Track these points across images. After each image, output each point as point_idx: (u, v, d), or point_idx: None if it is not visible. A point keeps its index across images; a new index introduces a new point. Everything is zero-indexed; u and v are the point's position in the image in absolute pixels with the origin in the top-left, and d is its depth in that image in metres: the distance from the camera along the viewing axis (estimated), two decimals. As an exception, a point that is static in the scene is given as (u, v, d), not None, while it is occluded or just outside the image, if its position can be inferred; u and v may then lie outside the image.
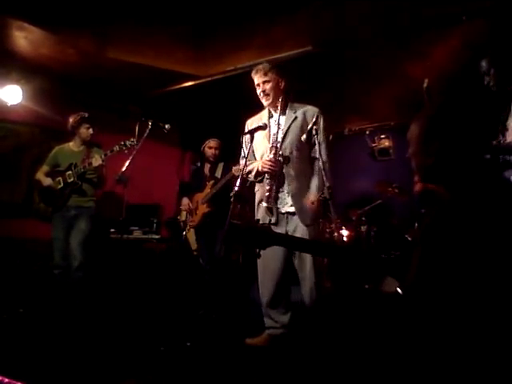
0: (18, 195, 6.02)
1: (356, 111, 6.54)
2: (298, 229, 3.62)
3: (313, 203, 3.57)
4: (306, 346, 3.45)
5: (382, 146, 6.90)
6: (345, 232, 5.56)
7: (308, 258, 3.61)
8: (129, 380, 2.84)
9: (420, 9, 4.19)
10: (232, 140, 4.34)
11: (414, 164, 1.92)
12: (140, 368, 2.98)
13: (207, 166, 5.55)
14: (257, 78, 3.79)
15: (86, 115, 4.84)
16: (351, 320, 3.69)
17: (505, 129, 3.01)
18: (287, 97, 3.81)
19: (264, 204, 3.59)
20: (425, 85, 3.18)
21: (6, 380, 2.23)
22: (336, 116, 6.41)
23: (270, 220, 3.65)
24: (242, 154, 3.96)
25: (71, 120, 4.85)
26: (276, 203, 3.64)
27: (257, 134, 3.75)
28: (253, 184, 3.97)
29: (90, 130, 4.85)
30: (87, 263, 4.63)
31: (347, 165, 6.81)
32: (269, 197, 3.58)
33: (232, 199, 3.50)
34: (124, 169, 4.08)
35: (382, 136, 6.89)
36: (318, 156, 3.54)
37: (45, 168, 4.87)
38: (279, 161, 3.62)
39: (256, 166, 3.76)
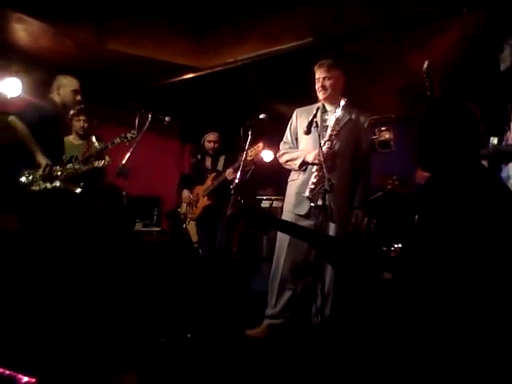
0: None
1: (356, 103, 6.52)
2: (325, 224, 3.65)
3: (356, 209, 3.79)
4: (307, 337, 3.47)
5: (382, 138, 6.88)
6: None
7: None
8: (130, 371, 2.85)
9: (420, 0, 4.18)
10: (232, 132, 4.33)
11: (414, 154, 1.98)
12: (141, 359, 2.99)
13: (208, 159, 5.55)
14: (318, 73, 3.85)
15: (77, 108, 4.81)
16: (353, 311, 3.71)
17: (509, 128, 3.01)
18: (342, 97, 3.86)
19: (306, 193, 3.61)
20: (425, 66, 3.17)
21: (7, 372, 2.24)
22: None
23: (309, 210, 3.71)
24: (285, 140, 4.05)
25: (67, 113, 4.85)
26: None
27: (302, 126, 3.82)
28: (253, 177, 4.00)
29: (81, 123, 4.84)
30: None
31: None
32: (313, 189, 3.62)
33: (232, 192, 3.51)
34: (124, 161, 4.08)
35: (383, 128, 6.87)
36: (361, 160, 3.82)
37: None
38: (330, 155, 3.66)
39: (301, 155, 3.82)
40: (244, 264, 5.55)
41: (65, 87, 4.47)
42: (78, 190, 4.38)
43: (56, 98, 4.46)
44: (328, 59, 3.89)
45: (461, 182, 1.74)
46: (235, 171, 4.87)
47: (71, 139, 4.91)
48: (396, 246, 5.05)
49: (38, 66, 5.62)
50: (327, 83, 3.83)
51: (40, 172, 4.17)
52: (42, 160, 4.17)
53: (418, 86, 3.45)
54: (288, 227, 2.97)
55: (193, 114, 7.21)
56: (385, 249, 5.12)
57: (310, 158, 3.73)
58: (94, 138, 4.84)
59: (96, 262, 4.94)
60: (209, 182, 5.31)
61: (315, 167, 3.68)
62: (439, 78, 3.11)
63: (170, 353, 3.17)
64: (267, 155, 5.78)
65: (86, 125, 4.87)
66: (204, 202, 5.29)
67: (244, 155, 3.83)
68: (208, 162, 5.55)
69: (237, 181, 3.55)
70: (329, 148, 3.67)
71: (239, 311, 4.32)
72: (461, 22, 4.33)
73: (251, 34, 4.96)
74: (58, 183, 4.26)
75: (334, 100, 3.85)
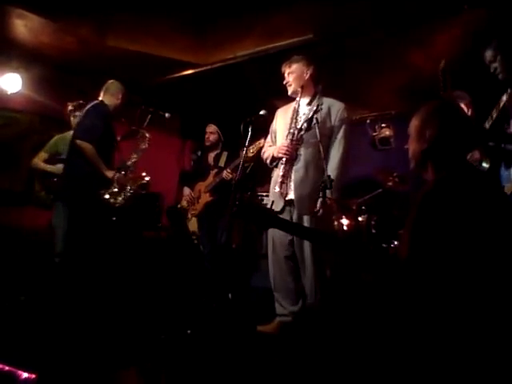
0: (18, 183, 6.01)
1: (357, 100, 6.52)
2: (299, 218, 3.65)
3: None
4: (311, 335, 3.48)
5: (382, 135, 6.87)
6: (345, 221, 5.56)
7: (307, 247, 3.62)
8: (130, 368, 2.85)
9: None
10: (232, 128, 4.33)
11: (410, 152, 2.05)
12: (141, 356, 3.00)
13: (211, 155, 5.54)
14: (284, 70, 3.90)
15: (71, 105, 4.81)
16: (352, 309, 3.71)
17: (510, 117, 3.01)
18: (316, 87, 3.89)
19: (276, 189, 3.64)
20: (441, 65, 3.17)
21: (7, 368, 2.24)
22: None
23: (284, 206, 3.72)
24: (267, 139, 4.14)
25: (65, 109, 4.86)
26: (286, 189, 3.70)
27: (280, 122, 3.94)
28: (253, 173, 4.00)
29: (78, 118, 4.84)
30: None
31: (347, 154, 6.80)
32: (282, 182, 3.65)
33: (233, 188, 3.51)
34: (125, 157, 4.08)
35: (383, 125, 6.86)
36: (334, 150, 3.67)
37: (43, 155, 4.85)
38: (295, 147, 3.66)
39: (271, 151, 3.86)
40: (244, 261, 5.55)
41: (123, 93, 4.58)
42: (147, 178, 4.54)
43: (112, 101, 4.50)
44: (294, 56, 3.94)
45: (452, 183, 1.78)
46: (232, 171, 4.89)
47: (67, 135, 4.89)
48: (396, 243, 5.05)
49: (38, 62, 5.62)
50: (290, 78, 3.88)
51: (116, 185, 4.28)
52: (110, 174, 4.27)
53: (419, 83, 3.46)
54: (285, 225, 2.97)
55: (193, 110, 7.20)
56: (385, 246, 5.12)
57: (275, 153, 3.79)
58: None
59: (96, 258, 4.95)
60: (211, 179, 5.29)
61: (283, 160, 3.72)
62: (451, 78, 3.12)
63: (169, 349, 3.17)
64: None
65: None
66: (206, 198, 5.28)
67: (244, 151, 3.84)
68: (210, 158, 5.54)
69: (237, 177, 3.55)
70: (291, 140, 3.71)
71: (240, 307, 4.32)
72: (462, 19, 4.32)
73: (251, 30, 4.95)
74: (129, 187, 4.37)
75: (305, 93, 3.87)
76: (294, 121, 3.79)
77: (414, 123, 2.00)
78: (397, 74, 5.37)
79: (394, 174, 5.63)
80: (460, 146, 1.89)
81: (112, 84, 4.57)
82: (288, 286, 3.77)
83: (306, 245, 3.64)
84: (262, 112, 3.83)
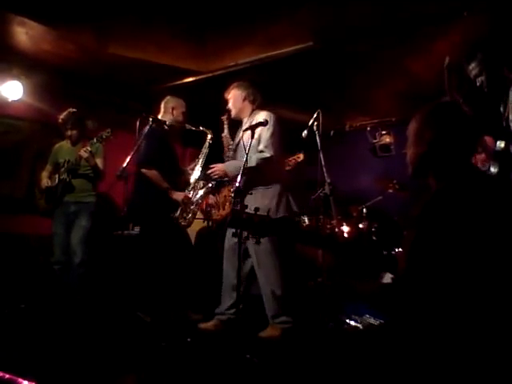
0: (18, 191, 6.02)
1: (357, 107, 6.53)
2: None
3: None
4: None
5: (382, 142, 6.89)
6: (345, 228, 5.56)
7: (262, 265, 3.86)
8: (129, 375, 2.84)
9: (421, 4, 4.18)
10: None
11: (408, 157, 1.98)
12: (140, 363, 2.99)
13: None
14: (226, 97, 4.24)
15: (62, 117, 4.83)
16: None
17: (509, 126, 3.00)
18: (252, 106, 4.11)
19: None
20: (446, 61, 3.17)
21: (7, 376, 2.24)
22: (337, 112, 6.40)
23: None
24: None
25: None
26: None
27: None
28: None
29: (69, 132, 4.84)
30: (88, 259, 4.63)
31: (348, 161, 6.82)
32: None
33: (233, 195, 3.51)
34: (125, 165, 4.05)
35: (383, 132, 6.88)
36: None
37: (48, 167, 4.87)
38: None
39: None
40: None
41: (178, 109, 4.64)
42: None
43: (168, 118, 4.56)
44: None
45: (453, 194, 1.74)
46: None
47: (69, 143, 4.89)
48: (397, 250, 5.03)
49: (39, 70, 5.64)
50: (229, 104, 4.18)
51: (182, 208, 4.39)
52: (178, 197, 4.37)
53: (419, 90, 3.46)
54: (280, 231, 2.95)
55: (194, 117, 7.20)
56: (386, 253, 5.11)
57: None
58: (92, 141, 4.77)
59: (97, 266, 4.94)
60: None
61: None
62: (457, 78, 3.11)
63: (169, 357, 3.16)
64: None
65: (73, 132, 4.86)
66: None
67: (244, 159, 3.82)
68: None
69: (237, 184, 3.54)
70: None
71: (239, 315, 4.31)
72: (461, 25, 4.33)
73: (252, 37, 4.96)
74: (195, 208, 4.54)
75: (244, 115, 4.13)
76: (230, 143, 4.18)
77: (413, 126, 1.94)
78: (397, 80, 5.39)
79: (394, 181, 5.64)
80: (462, 149, 1.82)
81: (167, 101, 4.66)
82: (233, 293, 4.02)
83: (261, 263, 3.89)
84: (260, 119, 3.83)
